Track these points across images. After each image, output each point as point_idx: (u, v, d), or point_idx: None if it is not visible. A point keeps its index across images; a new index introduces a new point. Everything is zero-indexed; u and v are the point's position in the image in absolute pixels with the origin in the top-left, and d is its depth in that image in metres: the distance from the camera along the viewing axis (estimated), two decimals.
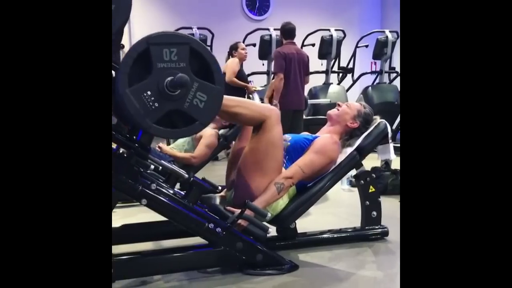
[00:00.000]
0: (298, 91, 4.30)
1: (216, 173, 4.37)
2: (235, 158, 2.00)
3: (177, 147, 3.33)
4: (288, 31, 4.33)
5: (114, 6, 1.44)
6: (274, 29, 6.17)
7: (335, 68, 6.72)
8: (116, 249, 1.95)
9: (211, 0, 7.79)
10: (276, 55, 4.26)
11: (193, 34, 5.92)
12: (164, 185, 1.80)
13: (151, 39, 1.45)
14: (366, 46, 6.69)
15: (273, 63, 4.27)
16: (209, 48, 6.13)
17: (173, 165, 1.90)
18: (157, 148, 3.22)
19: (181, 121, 1.53)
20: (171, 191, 1.75)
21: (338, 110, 2.17)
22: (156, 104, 1.46)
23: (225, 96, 1.74)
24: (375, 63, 7.70)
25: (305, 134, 2.21)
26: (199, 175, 2.61)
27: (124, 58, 1.45)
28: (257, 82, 6.12)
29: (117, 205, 2.87)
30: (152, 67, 1.45)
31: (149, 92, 1.44)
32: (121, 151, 1.85)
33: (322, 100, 5.87)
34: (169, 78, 1.45)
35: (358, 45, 6.73)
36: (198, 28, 6.06)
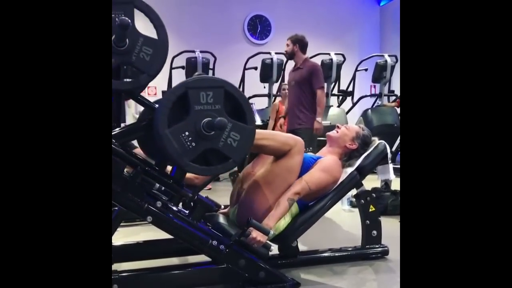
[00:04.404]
0: None
1: (218, 193, 4.40)
2: (246, 179, 2.05)
3: None
4: (306, 45, 4.04)
5: (152, 51, 1.56)
6: (276, 53, 6.30)
7: (335, 91, 6.82)
8: (119, 266, 1.99)
9: (214, 25, 7.96)
10: (318, 68, 3.94)
11: (196, 58, 6.02)
12: (168, 203, 1.85)
13: (189, 84, 1.56)
14: (366, 69, 6.80)
15: (315, 77, 3.87)
16: (210, 71, 6.28)
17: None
18: None
19: (215, 159, 1.61)
20: (176, 209, 1.79)
21: (337, 132, 2.23)
22: (193, 144, 1.55)
23: None
24: (374, 86, 7.82)
25: (309, 154, 2.26)
26: (201, 195, 2.65)
27: (163, 100, 1.55)
28: (259, 105, 6.20)
29: (120, 224, 2.89)
30: (190, 109, 1.54)
31: (186, 133, 1.53)
32: (125, 171, 1.90)
33: (322, 123, 5.93)
34: (205, 120, 1.54)
35: (358, 69, 6.84)
36: (201, 52, 6.18)
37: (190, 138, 1.54)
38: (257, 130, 1.88)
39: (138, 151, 4.02)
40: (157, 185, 1.86)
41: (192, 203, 1.79)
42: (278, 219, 1.87)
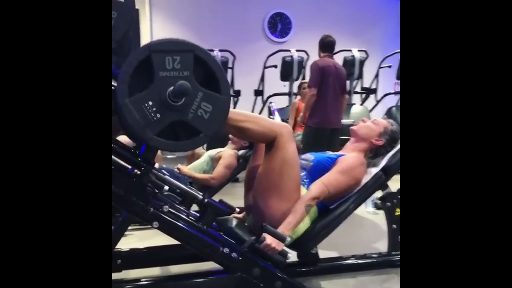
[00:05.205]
0: (336, 109, 4.05)
1: (235, 195, 4.28)
2: (250, 179, 1.91)
3: (195, 168, 3.27)
4: (327, 44, 4.10)
5: (116, 14, 1.40)
6: (296, 50, 6.15)
7: (358, 89, 6.64)
8: (127, 274, 1.88)
9: (234, 23, 7.85)
10: (313, 68, 4.01)
11: (215, 56, 5.93)
12: (179, 206, 1.73)
13: (153, 46, 1.37)
14: (389, 66, 6.60)
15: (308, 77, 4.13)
16: (230, 70, 6.18)
17: (189, 186, 1.83)
18: (175, 170, 3.16)
19: (185, 133, 1.43)
20: (185, 213, 1.67)
21: (363, 124, 2.07)
22: (158, 115, 1.37)
23: (233, 110, 1.66)
24: (398, 83, 7.58)
25: (328, 153, 2.10)
26: (218, 196, 2.53)
27: (123, 66, 1.38)
28: (279, 104, 6.06)
29: (134, 227, 2.80)
30: (153, 76, 1.37)
31: (150, 103, 1.36)
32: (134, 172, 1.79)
33: (344, 121, 5.74)
34: (171, 88, 1.37)
35: (381, 66, 6.64)
36: (220, 51, 6.08)
37: (154, 109, 1.36)
38: (240, 111, 1.72)
39: None
40: (166, 187, 1.75)
41: (203, 206, 1.67)
42: (295, 227, 1.72)
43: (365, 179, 1.97)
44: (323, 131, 4.01)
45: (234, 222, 1.84)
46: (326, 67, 3.96)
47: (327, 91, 3.97)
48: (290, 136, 1.75)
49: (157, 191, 1.71)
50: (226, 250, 1.57)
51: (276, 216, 1.71)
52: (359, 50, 6.31)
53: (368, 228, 3.01)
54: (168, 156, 7.02)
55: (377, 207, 3.51)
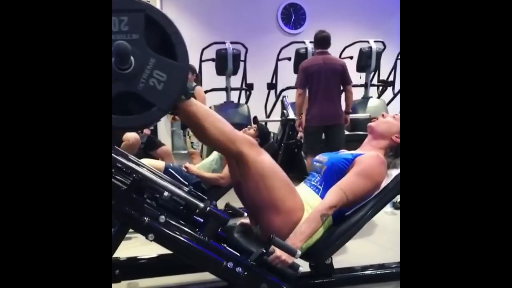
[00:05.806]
0: (328, 104, 3.93)
1: None
2: (239, 191, 1.75)
3: (204, 167, 3.13)
4: (318, 40, 4.06)
5: None
6: (310, 42, 5.96)
7: (375, 81, 6.43)
8: (129, 284, 1.76)
9: (246, 14, 7.69)
10: (299, 69, 4.06)
11: (226, 49, 5.78)
12: (182, 212, 1.59)
13: None
14: None
15: None
16: (242, 63, 6.00)
17: (192, 192, 1.69)
18: (183, 169, 3.04)
19: (135, 106, 1.26)
20: (186, 222, 1.52)
21: (381, 119, 1.90)
22: None
23: (198, 102, 1.49)
24: None
25: (343, 152, 1.93)
26: (227, 196, 2.39)
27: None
28: (293, 98, 5.90)
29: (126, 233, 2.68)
30: None
31: None
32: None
33: (361, 115, 5.55)
34: None
35: (399, 57, 6.41)
36: (232, 43, 5.93)
37: None
38: (205, 107, 1.53)
39: (148, 161, 3.80)
40: (166, 193, 1.61)
41: (204, 216, 1.51)
42: (308, 238, 1.56)
43: (385, 181, 1.80)
44: (316, 129, 4.02)
45: (241, 230, 1.70)
46: (309, 66, 3.97)
47: (313, 90, 3.96)
48: (256, 150, 1.55)
49: (157, 195, 1.58)
50: (230, 264, 1.42)
51: (285, 231, 1.55)
52: (375, 41, 6.08)
53: (387, 231, 2.84)
54: (181, 152, 6.92)
55: (395, 206, 3.34)
